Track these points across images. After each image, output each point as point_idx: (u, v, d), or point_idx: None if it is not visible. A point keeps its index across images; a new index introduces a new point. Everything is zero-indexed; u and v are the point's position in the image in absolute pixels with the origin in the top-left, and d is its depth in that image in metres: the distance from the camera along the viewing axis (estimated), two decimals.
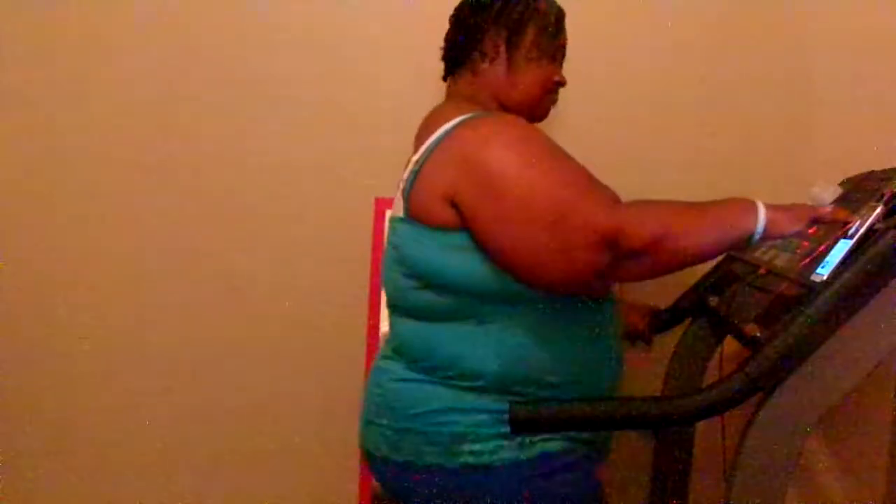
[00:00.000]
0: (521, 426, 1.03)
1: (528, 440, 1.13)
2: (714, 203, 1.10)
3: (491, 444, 1.13)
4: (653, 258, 1.05)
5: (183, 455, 1.80)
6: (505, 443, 1.13)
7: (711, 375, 1.49)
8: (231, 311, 1.78)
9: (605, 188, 1.11)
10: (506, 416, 1.10)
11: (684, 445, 1.51)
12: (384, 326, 1.67)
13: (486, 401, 1.14)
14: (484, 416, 1.14)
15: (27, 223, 1.77)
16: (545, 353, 1.15)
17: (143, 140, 1.76)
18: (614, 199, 1.10)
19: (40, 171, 1.77)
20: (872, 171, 1.37)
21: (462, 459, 1.13)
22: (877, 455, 1.73)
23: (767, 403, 1.00)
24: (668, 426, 1.46)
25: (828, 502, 1.76)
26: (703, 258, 1.12)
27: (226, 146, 1.76)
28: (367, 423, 1.25)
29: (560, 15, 1.32)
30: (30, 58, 1.75)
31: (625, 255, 1.05)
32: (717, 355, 1.48)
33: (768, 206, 1.09)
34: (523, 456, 1.13)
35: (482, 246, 1.11)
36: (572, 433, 1.16)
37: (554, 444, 1.15)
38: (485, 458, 1.13)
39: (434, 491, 1.16)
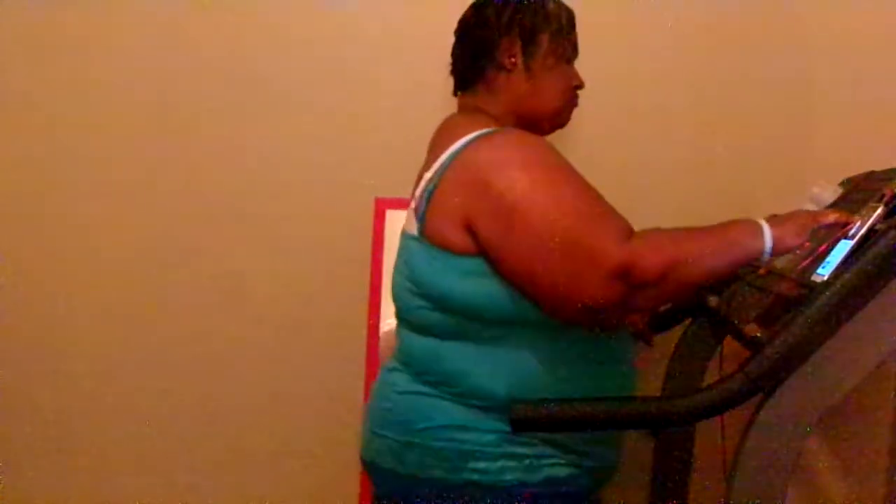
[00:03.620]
0: (521, 425, 1.03)
1: (535, 463, 1.13)
2: (721, 228, 1.11)
3: (498, 464, 1.12)
4: (664, 289, 1.06)
5: (183, 455, 1.80)
6: (512, 464, 1.13)
7: (711, 375, 1.49)
8: (231, 311, 1.78)
9: (618, 217, 1.11)
10: (514, 437, 1.11)
11: (684, 445, 1.51)
12: (384, 326, 1.67)
13: (493, 420, 1.13)
14: (491, 436, 1.13)
15: (27, 223, 1.77)
16: (554, 379, 1.14)
17: (142, 140, 1.76)
18: (627, 230, 1.09)
19: (40, 171, 1.77)
20: (872, 172, 1.37)
21: (466, 476, 1.13)
22: (877, 455, 1.73)
23: (767, 403, 0.99)
24: (668, 426, 1.46)
25: (828, 502, 1.76)
26: (711, 281, 1.14)
27: (226, 146, 1.76)
28: (372, 434, 1.24)
29: (570, 15, 1.31)
30: (30, 58, 1.75)
31: (637, 287, 1.05)
32: (717, 355, 1.48)
33: (772, 224, 1.10)
34: (529, 478, 1.13)
35: (498, 272, 1.10)
36: (581, 459, 1.16)
37: (561, 470, 1.14)
38: (489, 478, 1.12)
39: None
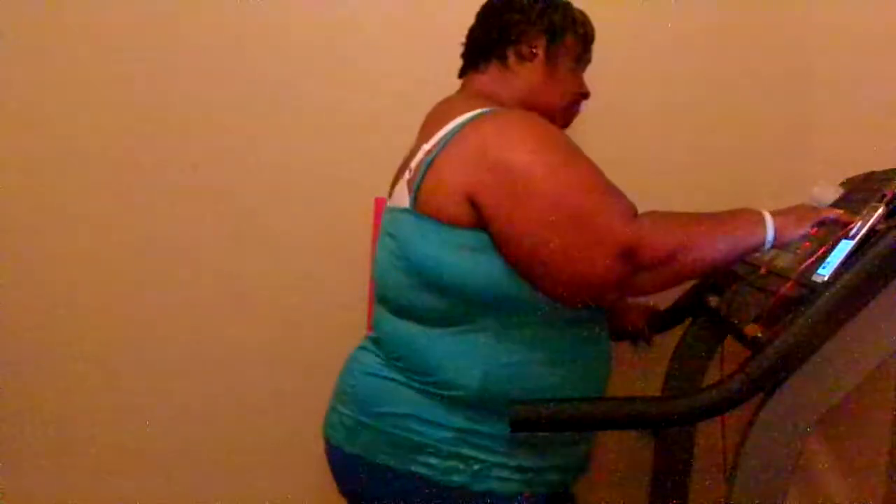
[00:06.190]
0: (520, 425, 1.03)
1: (483, 471, 1.12)
2: (725, 216, 1.12)
3: (447, 463, 1.12)
4: (666, 272, 1.07)
5: (183, 455, 1.80)
6: (461, 466, 1.12)
7: (711, 375, 1.49)
8: (231, 310, 1.78)
9: (624, 197, 1.11)
10: (472, 438, 1.12)
11: (684, 445, 1.51)
12: None
13: (456, 417, 1.12)
14: (449, 434, 1.12)
15: (27, 223, 1.77)
16: (531, 373, 1.13)
17: (142, 140, 1.76)
18: (633, 211, 1.09)
19: (40, 171, 1.77)
20: (872, 172, 1.37)
21: (413, 467, 1.13)
22: (877, 455, 1.73)
23: (767, 404, 1.00)
24: (668, 426, 1.46)
25: (828, 502, 1.76)
26: (713, 271, 1.14)
27: (226, 146, 1.76)
28: (331, 408, 1.26)
29: (592, 29, 1.34)
30: (30, 58, 1.75)
31: (640, 268, 1.05)
32: (717, 355, 1.48)
33: (775, 215, 1.11)
34: (472, 485, 1.12)
35: (501, 248, 1.09)
36: (533, 476, 1.15)
37: (506, 486, 1.13)
38: (436, 475, 1.12)
39: (376, 490, 1.16)
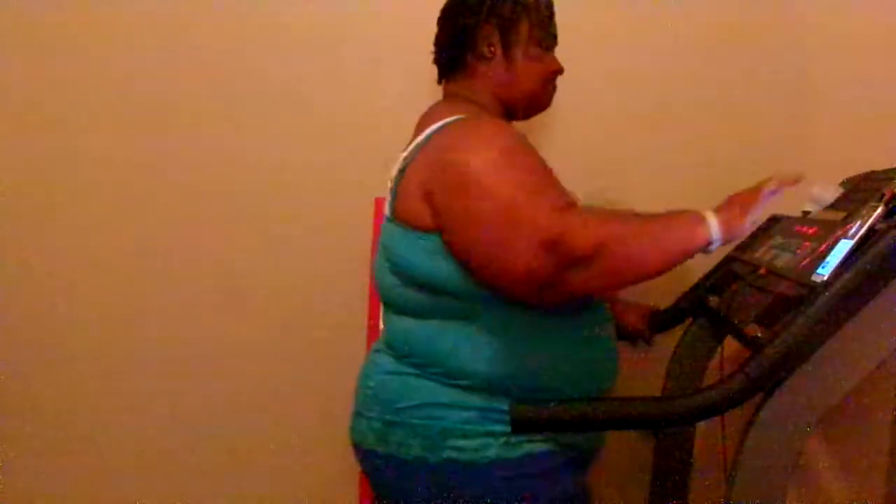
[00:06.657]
0: (521, 426, 1.03)
1: (513, 439, 1.13)
2: (664, 216, 1.08)
3: (476, 442, 1.13)
4: (596, 268, 1.01)
5: (183, 455, 1.80)
6: (490, 440, 1.13)
7: (711, 375, 1.49)
8: (231, 311, 1.78)
9: (562, 192, 1.10)
10: (493, 415, 1.12)
11: (684, 445, 1.51)
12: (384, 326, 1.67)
13: (474, 398, 1.14)
14: (471, 413, 1.14)
15: (27, 223, 1.77)
16: (535, 356, 1.15)
17: (143, 140, 1.76)
18: (566, 204, 1.07)
19: (40, 171, 1.77)
20: (872, 171, 1.37)
21: (446, 454, 1.13)
22: (877, 455, 1.73)
23: (767, 403, 1.00)
24: (668, 426, 1.46)
25: (828, 502, 1.76)
26: (650, 270, 1.06)
27: (225, 146, 1.76)
28: (357, 414, 1.26)
29: (549, 3, 1.31)
30: (30, 58, 1.75)
31: (568, 263, 1.01)
32: (717, 355, 1.48)
33: (717, 211, 1.08)
34: (507, 455, 1.13)
35: (449, 245, 1.11)
36: (559, 437, 1.16)
37: (539, 446, 1.14)
38: (468, 455, 1.13)
39: (416, 484, 1.16)
